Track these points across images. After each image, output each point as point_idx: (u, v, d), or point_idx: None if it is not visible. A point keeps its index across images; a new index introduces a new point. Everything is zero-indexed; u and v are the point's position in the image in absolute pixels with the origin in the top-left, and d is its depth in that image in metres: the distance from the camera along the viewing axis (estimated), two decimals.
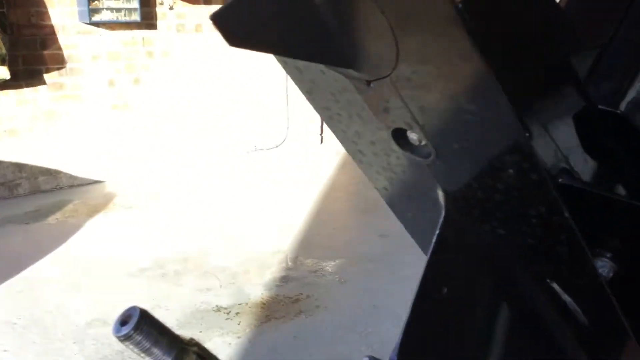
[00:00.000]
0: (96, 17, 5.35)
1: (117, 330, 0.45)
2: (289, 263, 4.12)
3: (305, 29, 0.48)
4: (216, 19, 0.44)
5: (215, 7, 5.52)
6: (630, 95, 0.66)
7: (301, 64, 0.61)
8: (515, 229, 0.60)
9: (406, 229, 0.80)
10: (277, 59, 0.62)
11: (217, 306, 3.59)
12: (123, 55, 5.63)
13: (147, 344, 0.46)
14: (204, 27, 5.90)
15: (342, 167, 6.21)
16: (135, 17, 5.51)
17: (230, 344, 3.25)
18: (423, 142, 0.60)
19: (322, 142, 6.88)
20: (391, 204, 0.76)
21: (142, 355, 0.46)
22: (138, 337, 0.45)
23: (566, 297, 0.67)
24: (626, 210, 0.61)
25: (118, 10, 5.42)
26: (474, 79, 0.46)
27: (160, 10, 5.73)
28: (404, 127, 0.59)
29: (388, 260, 4.06)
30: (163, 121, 5.95)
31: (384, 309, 3.47)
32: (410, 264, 4.05)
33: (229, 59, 6.07)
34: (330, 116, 0.66)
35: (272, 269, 4.03)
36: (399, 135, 0.61)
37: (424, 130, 0.56)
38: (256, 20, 0.45)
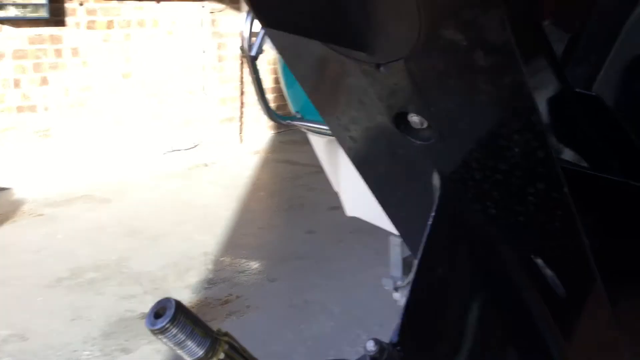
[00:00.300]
0: (0, 14, 5.02)
1: (151, 324, 0.42)
2: (215, 264, 4.05)
3: (328, 7, 0.48)
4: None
5: (129, 4, 5.29)
6: (603, 77, 0.71)
7: (305, 50, 0.61)
8: (509, 208, 0.63)
9: (388, 215, 0.81)
10: (277, 45, 0.61)
11: (142, 313, 3.46)
12: (29, 54, 5.31)
13: (182, 337, 0.44)
14: (115, 24, 5.67)
15: (263, 166, 6.19)
16: (43, 13, 5.20)
17: (159, 351, 3.14)
18: (425, 125, 0.61)
19: (241, 141, 6.81)
20: (377, 190, 0.77)
21: (175, 347, 0.44)
22: (174, 330, 0.43)
23: (548, 271, 0.71)
24: (608, 188, 0.65)
25: (24, 6, 5.10)
26: (495, 56, 0.48)
27: (69, 6, 5.45)
28: (409, 110, 0.60)
29: (316, 256, 4.09)
30: (73, 123, 5.67)
31: (315, 304, 3.49)
32: (338, 258, 4.11)
33: (143, 57, 5.88)
34: (325, 104, 0.66)
35: (198, 272, 3.94)
36: (400, 119, 0.62)
37: (431, 113, 0.58)
38: (287, 1, 0.45)
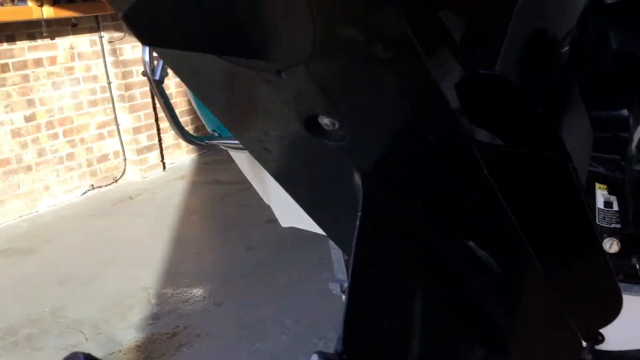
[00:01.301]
0: None
1: None
2: (158, 298, 3.92)
3: (216, 18, 0.46)
4: (128, 17, 0.39)
5: (21, 44, 5.03)
6: (504, 56, 0.72)
7: (200, 66, 0.57)
8: (432, 197, 0.62)
9: (317, 221, 0.79)
10: (170, 65, 0.58)
11: None
12: None
13: None
14: (10, 66, 5.39)
15: (191, 190, 6.05)
16: None
17: None
18: (336, 126, 0.60)
19: (164, 168, 6.64)
20: (300, 198, 0.75)
21: None
22: None
23: (482, 253, 0.71)
24: (523, 161, 0.66)
25: None
26: (394, 48, 0.46)
27: None
28: (318, 113, 0.58)
29: (259, 272, 4.04)
30: None
31: (266, 320, 3.44)
32: (282, 271, 4.07)
33: (45, 97, 5.62)
34: (231, 119, 0.63)
35: (140, 308, 3.80)
36: (310, 123, 0.60)
37: (340, 113, 0.56)
38: (167, 14, 0.42)
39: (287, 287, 3.78)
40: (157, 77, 1.69)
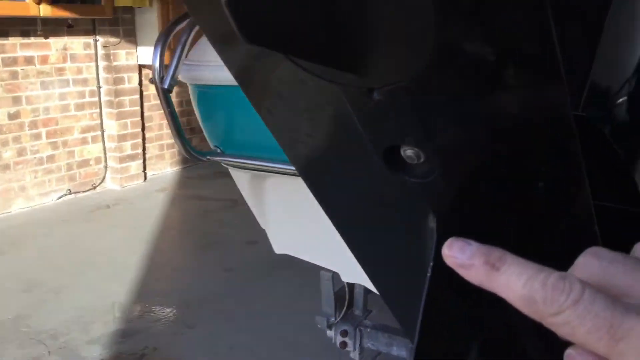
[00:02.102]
0: None
1: None
2: (127, 314, 3.75)
3: (323, 16, 0.37)
4: (231, 5, 0.31)
5: (14, 40, 4.94)
6: (587, 96, 0.64)
7: (274, 77, 0.48)
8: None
9: (368, 270, 0.69)
10: (234, 70, 0.49)
11: None
12: None
13: None
14: (0, 61, 5.24)
15: (171, 203, 5.89)
16: None
17: None
18: (421, 159, 0.51)
19: (145, 179, 6.48)
20: (355, 243, 0.65)
21: None
22: None
23: None
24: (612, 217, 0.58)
25: None
26: (531, 72, 0.38)
27: None
28: (405, 142, 0.49)
29: (237, 295, 3.90)
30: None
31: (241, 349, 3.29)
32: (261, 296, 3.94)
33: (33, 96, 5.46)
34: (293, 141, 0.54)
35: (107, 324, 3.62)
36: (390, 155, 0.51)
37: (435, 145, 0.47)
38: (273, 10, 0.34)
39: (265, 314, 3.64)
40: (165, 86, 1.60)
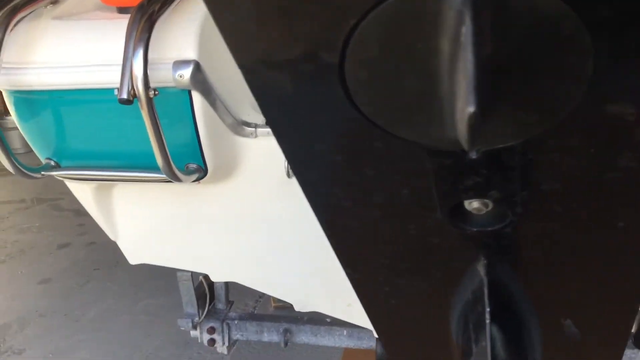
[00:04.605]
0: None
1: None
2: None
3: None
4: None
5: None
6: None
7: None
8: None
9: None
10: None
11: None
12: None
13: None
14: None
15: None
16: None
17: None
18: (487, 210, 0.47)
19: None
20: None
21: None
22: None
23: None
24: None
25: None
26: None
27: None
28: (485, 197, 0.44)
29: (63, 308, 3.51)
30: None
31: None
32: (90, 303, 3.59)
33: None
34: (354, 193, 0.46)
35: None
36: (455, 208, 0.46)
37: (521, 199, 0.43)
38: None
39: (102, 322, 3.34)
40: None
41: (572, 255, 0.49)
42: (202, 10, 1.35)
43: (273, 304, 3.04)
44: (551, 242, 0.47)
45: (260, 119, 1.52)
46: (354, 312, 1.82)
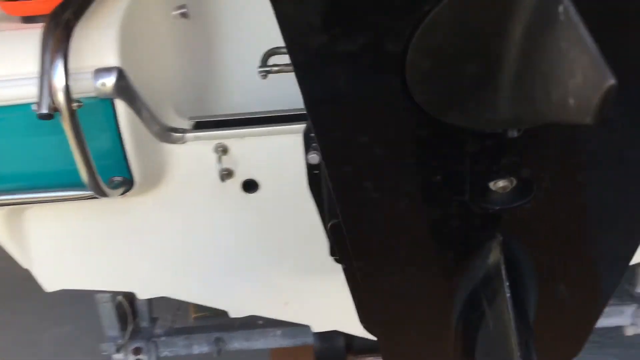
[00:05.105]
0: None
1: None
2: None
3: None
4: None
5: None
6: None
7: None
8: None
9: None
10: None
11: None
12: None
13: None
14: None
15: None
16: None
17: None
18: (510, 188, 0.49)
19: None
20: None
21: None
22: None
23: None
24: None
25: None
26: None
27: None
28: (512, 175, 0.47)
29: None
30: None
31: None
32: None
33: None
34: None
35: None
36: (481, 187, 0.49)
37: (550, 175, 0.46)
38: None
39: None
40: None
41: (577, 227, 0.53)
42: (119, 14, 1.29)
43: (193, 315, 2.95)
44: (563, 215, 0.51)
45: (186, 124, 1.48)
46: (291, 310, 1.82)
